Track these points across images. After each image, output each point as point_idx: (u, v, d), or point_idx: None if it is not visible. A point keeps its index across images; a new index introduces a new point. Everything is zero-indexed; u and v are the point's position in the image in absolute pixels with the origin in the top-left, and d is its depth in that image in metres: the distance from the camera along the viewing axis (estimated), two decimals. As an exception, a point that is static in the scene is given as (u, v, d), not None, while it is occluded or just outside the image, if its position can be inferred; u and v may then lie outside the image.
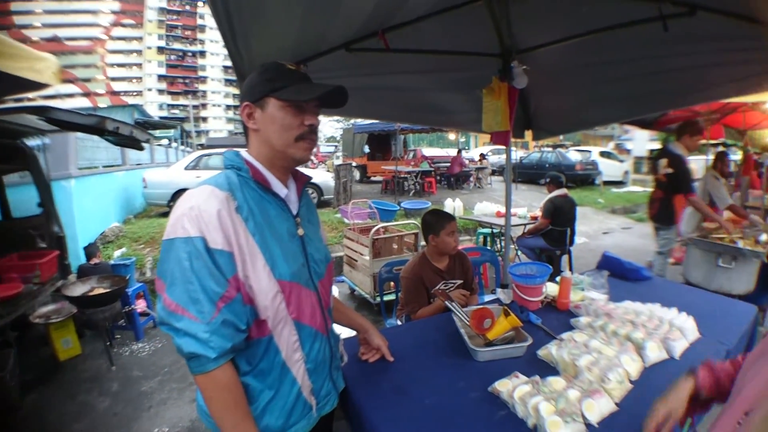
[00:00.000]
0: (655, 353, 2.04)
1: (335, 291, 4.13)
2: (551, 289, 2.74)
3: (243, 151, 1.45)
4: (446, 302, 2.41)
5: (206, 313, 1.17)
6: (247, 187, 1.36)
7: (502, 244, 6.74)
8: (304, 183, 1.57)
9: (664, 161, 4.79)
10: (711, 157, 7.34)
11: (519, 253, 6.14)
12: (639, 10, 2.37)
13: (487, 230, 6.57)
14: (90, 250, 5.08)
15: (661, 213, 4.97)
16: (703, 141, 6.88)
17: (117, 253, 6.62)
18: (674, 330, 2.21)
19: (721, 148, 7.48)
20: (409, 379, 1.91)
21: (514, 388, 1.73)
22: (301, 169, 1.56)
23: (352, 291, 5.78)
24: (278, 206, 1.43)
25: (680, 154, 4.74)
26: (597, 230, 10.20)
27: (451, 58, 3.09)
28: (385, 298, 3.78)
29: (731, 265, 4.33)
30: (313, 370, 1.49)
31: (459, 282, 2.96)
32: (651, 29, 2.33)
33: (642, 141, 16.23)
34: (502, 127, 2.91)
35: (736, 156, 10.74)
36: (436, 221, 2.86)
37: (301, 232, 1.47)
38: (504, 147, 3.43)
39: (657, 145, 16.90)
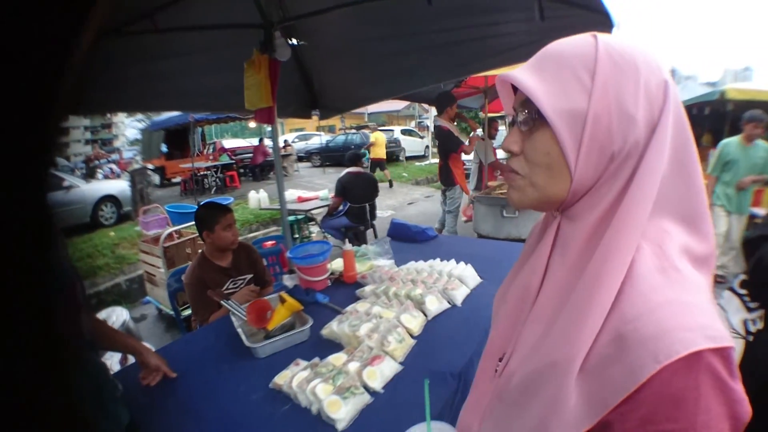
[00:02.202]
0: (435, 305, 2.08)
1: (122, 316, 3.65)
2: (337, 264, 2.68)
3: None
4: (222, 302, 2.18)
5: None
6: None
7: (310, 229, 6.69)
8: None
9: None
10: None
11: (326, 234, 6.12)
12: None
13: (293, 218, 6.43)
14: None
15: (443, 176, 5.68)
16: (493, 114, 7.64)
17: None
18: (453, 280, 2.29)
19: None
20: (193, 394, 1.70)
21: (292, 377, 1.61)
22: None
23: (160, 311, 5.19)
24: None
25: (439, 125, 5.48)
26: (403, 202, 10.80)
27: (221, 34, 2.86)
28: (187, 312, 3.37)
29: (515, 215, 4.82)
30: None
31: (248, 277, 2.74)
32: (421, 5, 2.33)
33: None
34: (265, 103, 2.73)
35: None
36: (209, 216, 2.57)
37: None
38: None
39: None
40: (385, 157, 14.40)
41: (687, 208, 0.61)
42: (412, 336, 1.88)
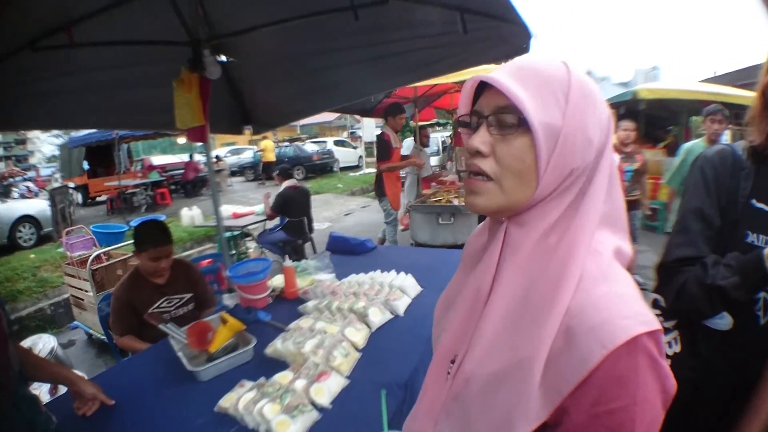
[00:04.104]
0: (378, 317, 2.10)
1: (50, 343, 3.43)
2: (278, 281, 2.65)
3: None
4: (160, 326, 2.10)
5: None
6: None
7: (247, 245, 6.54)
8: None
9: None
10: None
11: (263, 250, 6.01)
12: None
13: (229, 234, 6.27)
14: None
15: (377, 186, 5.78)
16: (423, 123, 7.82)
17: None
18: (395, 291, 2.32)
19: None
20: (134, 422, 1.62)
21: (238, 399, 1.57)
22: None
23: (90, 336, 4.91)
24: None
25: (381, 133, 5.63)
26: (339, 213, 10.77)
27: (145, 49, 2.77)
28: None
29: (451, 221, 4.91)
30: None
31: (186, 296, 2.66)
32: (348, 20, 2.35)
33: (370, 128, 17.65)
34: (197, 122, 2.67)
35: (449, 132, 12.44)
36: (139, 239, 2.50)
37: None
38: (203, 143, 3.15)
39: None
40: (274, 159, 17.36)
41: (615, 217, 0.71)
42: (357, 349, 1.88)
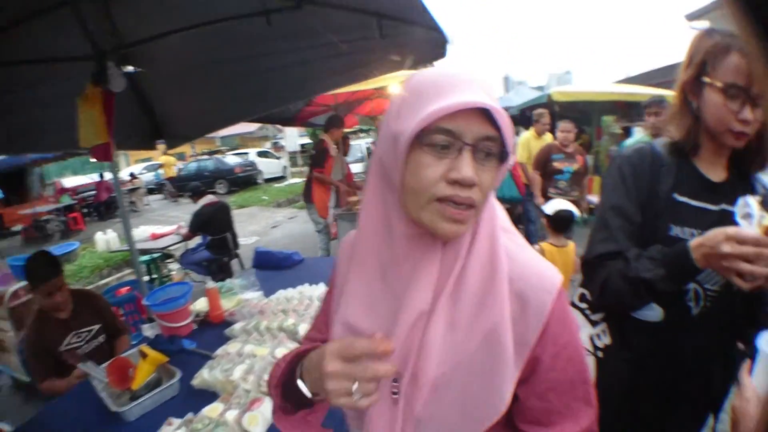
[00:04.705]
0: (310, 334, 2.02)
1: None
2: (201, 305, 2.50)
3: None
4: (79, 365, 1.92)
5: None
6: None
7: (169, 268, 6.21)
8: None
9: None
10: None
11: (187, 271, 5.71)
12: (247, 4, 2.31)
13: (148, 257, 5.89)
14: None
15: (306, 192, 5.71)
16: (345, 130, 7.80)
17: None
18: (325, 304, 2.25)
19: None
20: None
21: (166, 439, 1.46)
22: None
23: (14, 379, 4.41)
24: None
25: (320, 140, 5.66)
26: (266, 226, 10.45)
27: (49, 67, 2.56)
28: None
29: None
30: None
31: (95, 328, 2.46)
32: (263, 26, 2.29)
33: (293, 137, 17.35)
34: (101, 139, 2.47)
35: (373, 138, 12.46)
36: (29, 277, 2.30)
37: None
38: (109, 162, 2.92)
39: (307, 140, 18.45)
40: (175, 175, 17.24)
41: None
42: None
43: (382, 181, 0.74)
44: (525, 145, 5.74)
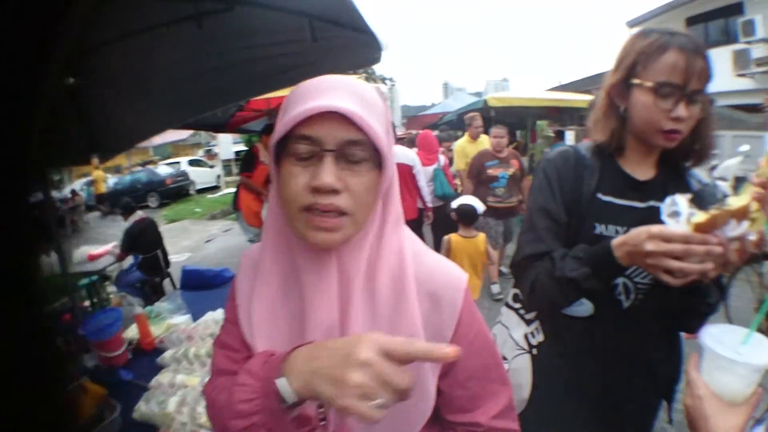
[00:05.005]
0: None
1: None
2: (134, 332, 2.29)
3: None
4: None
5: None
6: None
7: (108, 291, 5.77)
8: None
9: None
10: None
11: (122, 294, 5.31)
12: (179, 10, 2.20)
13: (86, 281, 5.43)
14: None
15: (234, 199, 5.58)
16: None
17: None
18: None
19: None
20: None
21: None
22: None
23: None
24: None
25: (252, 146, 5.62)
26: (199, 240, 9.92)
27: None
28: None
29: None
30: None
31: None
32: (193, 31, 2.19)
33: (227, 144, 16.71)
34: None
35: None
36: None
37: None
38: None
39: (242, 147, 17.85)
40: (104, 191, 16.19)
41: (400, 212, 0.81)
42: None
43: (278, 192, 0.73)
44: (460, 152, 5.72)
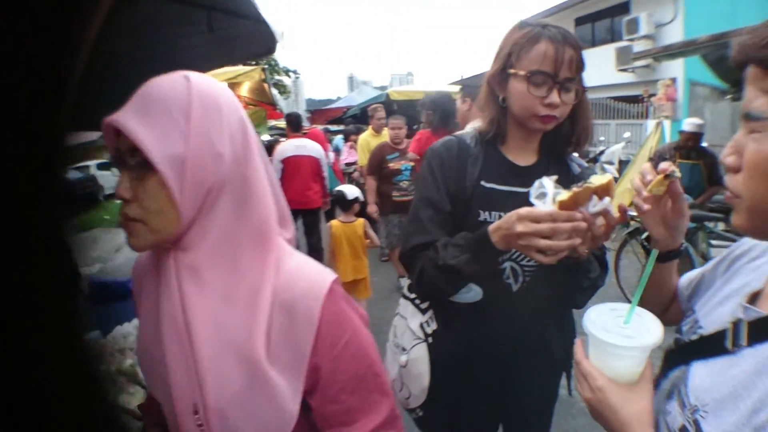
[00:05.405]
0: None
1: None
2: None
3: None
4: None
5: None
6: None
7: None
8: None
9: None
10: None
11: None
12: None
13: None
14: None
15: None
16: None
17: None
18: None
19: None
20: None
21: None
22: None
23: None
24: None
25: None
26: (109, 250, 9.35)
27: None
28: None
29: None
30: None
31: None
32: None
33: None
34: None
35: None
36: None
37: None
38: None
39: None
40: None
41: (281, 211, 0.81)
42: (138, 419, 1.60)
43: None
44: (365, 145, 5.58)
